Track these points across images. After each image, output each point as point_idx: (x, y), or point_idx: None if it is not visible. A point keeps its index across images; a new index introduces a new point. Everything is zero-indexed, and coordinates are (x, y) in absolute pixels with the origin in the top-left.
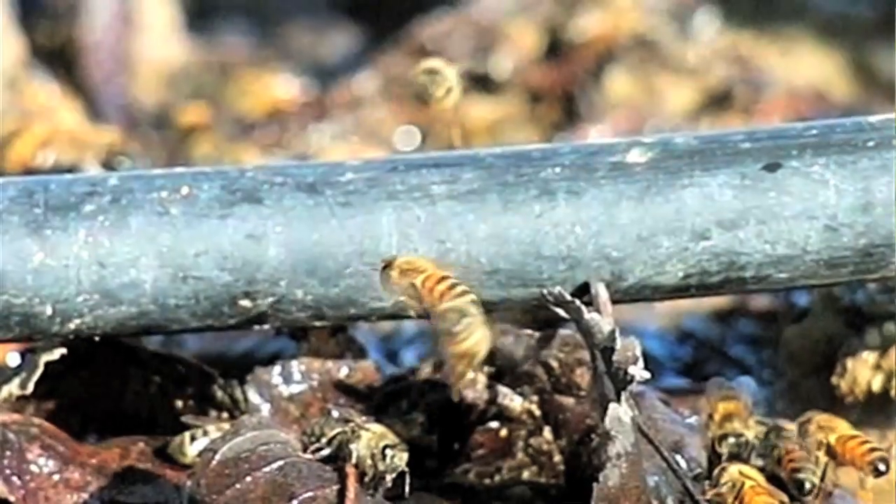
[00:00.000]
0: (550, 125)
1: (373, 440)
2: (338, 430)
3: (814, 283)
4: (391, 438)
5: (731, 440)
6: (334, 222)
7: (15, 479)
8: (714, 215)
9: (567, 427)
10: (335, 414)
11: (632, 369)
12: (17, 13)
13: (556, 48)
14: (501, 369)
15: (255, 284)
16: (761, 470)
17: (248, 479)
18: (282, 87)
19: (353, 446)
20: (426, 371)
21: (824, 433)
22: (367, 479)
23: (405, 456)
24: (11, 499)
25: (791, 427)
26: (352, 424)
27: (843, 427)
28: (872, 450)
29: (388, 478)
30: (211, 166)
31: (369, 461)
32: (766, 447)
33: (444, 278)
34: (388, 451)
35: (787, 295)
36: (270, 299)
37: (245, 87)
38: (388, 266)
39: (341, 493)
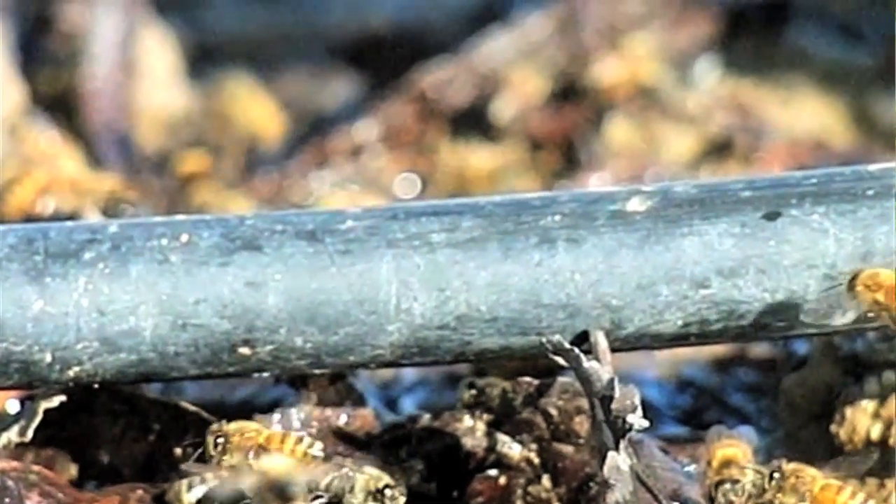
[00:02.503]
0: (551, 173)
1: (370, 482)
2: (332, 475)
3: (813, 332)
4: (388, 479)
5: (728, 486)
6: (334, 270)
7: None
8: (714, 264)
9: (566, 475)
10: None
11: (630, 418)
12: (18, 60)
13: (560, 95)
14: (500, 417)
15: (255, 332)
16: None
17: None
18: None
19: (349, 493)
20: (425, 419)
21: (872, 291)
22: None
23: (404, 498)
24: None
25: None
26: (345, 469)
27: (889, 278)
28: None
29: None
30: (211, 214)
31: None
32: (763, 494)
33: None
34: (388, 491)
35: (787, 343)
36: (270, 347)
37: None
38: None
39: None
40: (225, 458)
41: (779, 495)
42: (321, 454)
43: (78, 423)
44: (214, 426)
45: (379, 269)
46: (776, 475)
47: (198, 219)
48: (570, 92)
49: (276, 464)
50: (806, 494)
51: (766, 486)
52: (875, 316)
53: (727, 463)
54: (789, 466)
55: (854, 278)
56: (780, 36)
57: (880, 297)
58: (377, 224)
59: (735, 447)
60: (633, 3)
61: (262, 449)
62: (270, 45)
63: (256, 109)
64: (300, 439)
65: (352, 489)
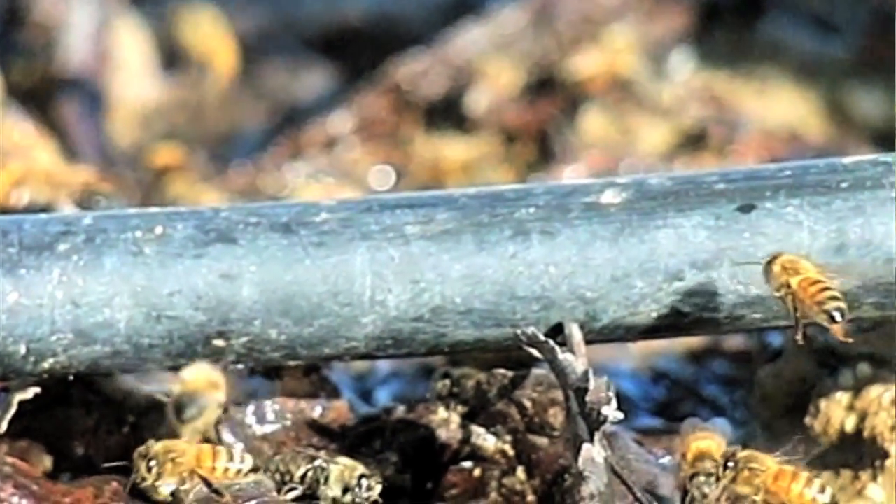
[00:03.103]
0: (525, 165)
1: (345, 472)
2: (306, 467)
3: (787, 324)
4: (363, 469)
5: (702, 479)
6: (308, 262)
7: None
8: (688, 256)
9: (540, 467)
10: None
11: (605, 410)
12: None
13: (535, 87)
14: (475, 409)
15: (229, 324)
16: None
17: None
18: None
19: (324, 485)
20: (400, 411)
21: (788, 275)
22: None
23: (379, 486)
24: None
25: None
26: (319, 461)
27: (808, 270)
28: (834, 297)
29: None
30: (185, 206)
31: (343, 494)
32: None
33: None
34: (364, 482)
35: (761, 335)
36: (244, 339)
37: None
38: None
39: None
40: (160, 483)
41: (733, 485)
42: (252, 467)
43: (52, 415)
44: (141, 448)
45: (353, 261)
46: (730, 464)
47: (172, 211)
48: (544, 84)
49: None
50: (760, 485)
51: (721, 475)
52: (780, 299)
53: (701, 456)
54: (743, 454)
55: (774, 258)
56: (754, 28)
57: (793, 282)
58: (351, 216)
59: (710, 440)
60: None
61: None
62: (245, 37)
63: (211, 37)
64: (231, 456)
65: (326, 480)
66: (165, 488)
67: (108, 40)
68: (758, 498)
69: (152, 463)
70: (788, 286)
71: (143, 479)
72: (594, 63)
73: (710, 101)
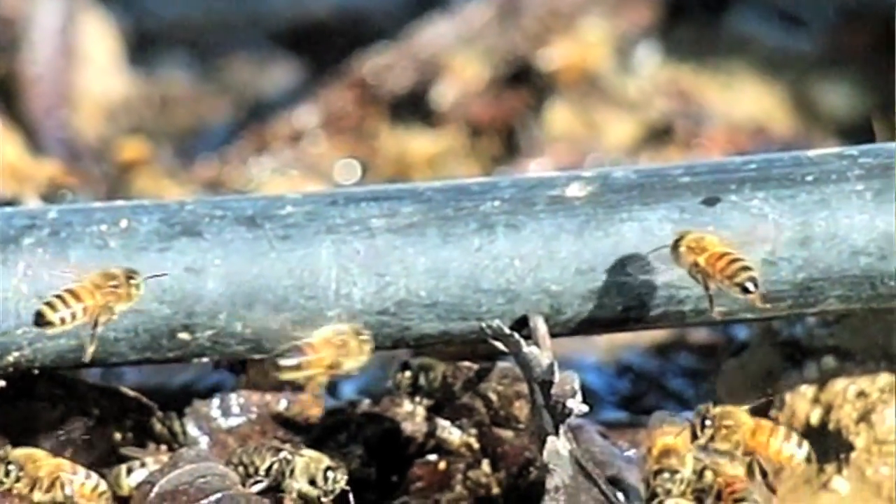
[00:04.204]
0: (491, 158)
1: (310, 464)
2: (271, 459)
3: (753, 317)
4: (329, 461)
5: (666, 475)
6: (273, 255)
7: None
8: (653, 249)
9: (505, 460)
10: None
11: (570, 402)
12: None
13: (501, 81)
14: (440, 402)
15: (194, 317)
16: (698, 503)
17: None
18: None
19: (289, 477)
20: (365, 404)
21: (695, 254)
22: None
23: (345, 478)
24: None
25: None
26: (284, 453)
27: (714, 245)
28: (744, 268)
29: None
30: (150, 200)
31: (308, 486)
32: (703, 482)
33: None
34: (329, 474)
35: (726, 328)
36: (209, 332)
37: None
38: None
39: None
40: (18, 485)
41: (712, 443)
42: (108, 492)
43: (17, 408)
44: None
45: (318, 254)
46: (707, 422)
47: (137, 204)
48: (510, 78)
49: None
50: (739, 441)
51: (699, 433)
52: (693, 277)
53: (666, 451)
54: (717, 411)
55: (680, 239)
56: (720, 22)
57: (701, 260)
58: (317, 210)
59: (675, 435)
60: None
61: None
62: (211, 32)
63: None
64: (89, 474)
65: (292, 473)
66: (130, 481)
67: (73, 35)
68: (738, 453)
69: (11, 467)
70: (697, 265)
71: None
72: (567, 54)
73: (675, 95)
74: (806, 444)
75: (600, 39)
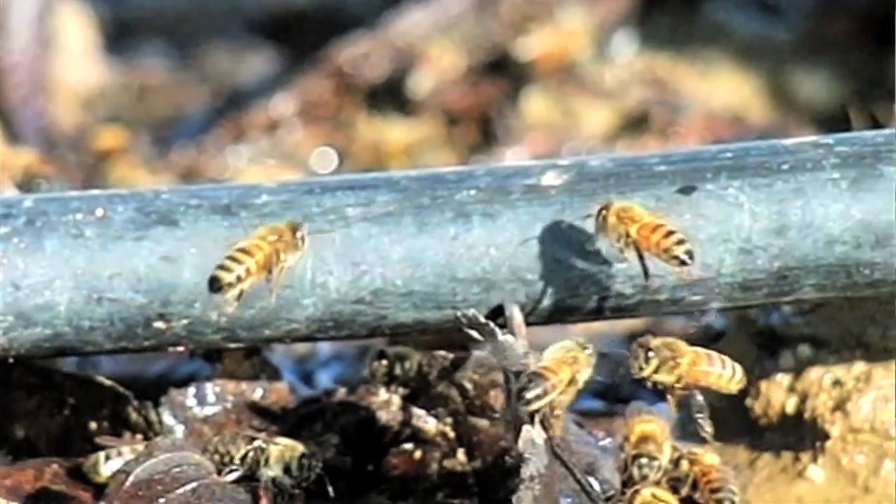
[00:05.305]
0: (467, 147)
1: (285, 452)
2: (246, 448)
3: (728, 306)
4: (303, 449)
5: (645, 461)
6: None
7: None
8: None
9: (481, 449)
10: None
11: None
12: None
13: (477, 70)
14: (416, 391)
15: (170, 306)
16: (674, 491)
17: (162, 500)
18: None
19: (264, 465)
20: (341, 393)
21: (625, 224)
22: (284, 492)
23: (319, 466)
24: None
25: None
26: (259, 442)
27: (644, 216)
28: (680, 241)
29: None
30: (126, 189)
31: (283, 474)
32: (679, 471)
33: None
34: (304, 461)
35: (702, 317)
36: (185, 321)
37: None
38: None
39: None
40: None
41: (655, 375)
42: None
43: None
44: None
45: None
46: (651, 354)
47: (112, 193)
48: (487, 67)
49: None
50: (679, 372)
51: (643, 364)
52: (621, 249)
53: (645, 438)
54: (657, 342)
55: (605, 208)
56: (697, 10)
57: (632, 231)
58: (292, 198)
59: (653, 423)
60: None
61: None
62: (188, 20)
63: None
64: None
65: (267, 461)
66: (106, 469)
67: (50, 24)
68: (678, 385)
69: None
70: (628, 235)
71: None
72: (547, 43)
73: (652, 84)
74: (739, 369)
75: (580, 28)
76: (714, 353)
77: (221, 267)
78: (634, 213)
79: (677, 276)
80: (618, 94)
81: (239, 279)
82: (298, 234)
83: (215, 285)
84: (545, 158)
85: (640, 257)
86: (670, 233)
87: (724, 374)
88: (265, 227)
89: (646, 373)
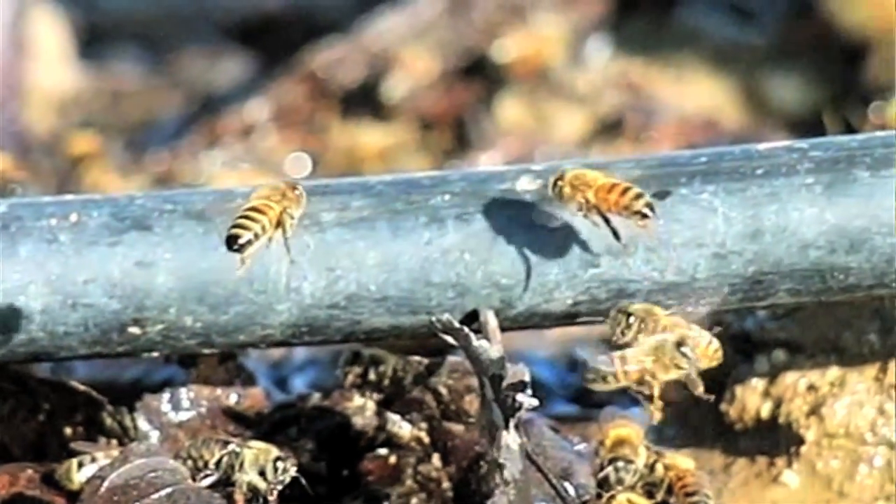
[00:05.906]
0: (441, 152)
1: (259, 456)
2: (220, 452)
3: (703, 310)
4: (277, 452)
5: (621, 464)
6: (224, 250)
7: None
8: (603, 242)
9: (456, 454)
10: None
11: (520, 396)
12: None
13: (452, 75)
14: (390, 396)
15: (145, 312)
16: (649, 497)
17: None
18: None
19: (239, 470)
20: (315, 398)
21: (580, 191)
22: (259, 496)
23: (294, 468)
24: None
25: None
26: (233, 446)
27: (597, 177)
28: (638, 195)
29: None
30: (100, 194)
31: (258, 478)
32: (655, 475)
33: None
34: (279, 464)
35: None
36: (159, 326)
37: None
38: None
39: None
40: None
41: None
42: None
43: None
44: None
45: (268, 248)
46: (559, 182)
47: (87, 198)
48: (461, 71)
49: None
50: (584, 199)
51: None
52: (584, 216)
53: (620, 442)
54: (636, 307)
55: (559, 178)
56: (671, 15)
57: (590, 195)
58: None
59: (628, 427)
60: None
61: None
62: (162, 25)
63: None
64: None
65: (241, 465)
66: (80, 476)
67: (24, 29)
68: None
69: None
70: (587, 201)
71: None
72: (522, 47)
73: (626, 88)
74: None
75: (554, 33)
76: (693, 324)
77: (237, 226)
78: (588, 177)
79: (651, 280)
80: (592, 99)
81: (256, 236)
82: (297, 191)
83: (233, 244)
84: (519, 163)
85: (606, 220)
86: (626, 189)
87: (701, 341)
88: (265, 188)
89: (628, 338)
